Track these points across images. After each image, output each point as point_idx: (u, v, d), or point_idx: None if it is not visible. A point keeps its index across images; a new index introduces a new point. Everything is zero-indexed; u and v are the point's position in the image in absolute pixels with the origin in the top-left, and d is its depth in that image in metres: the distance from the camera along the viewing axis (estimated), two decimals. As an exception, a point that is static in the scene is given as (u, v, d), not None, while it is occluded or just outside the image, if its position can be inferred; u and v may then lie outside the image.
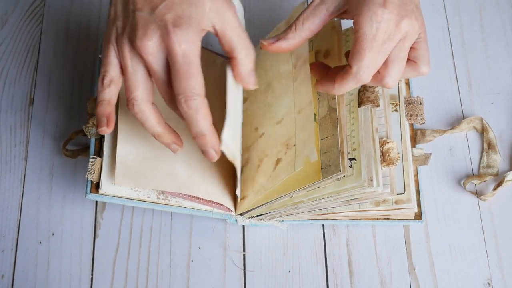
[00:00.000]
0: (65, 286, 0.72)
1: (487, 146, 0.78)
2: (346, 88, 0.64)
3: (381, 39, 0.61)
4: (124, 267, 0.72)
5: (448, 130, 0.78)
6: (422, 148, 0.76)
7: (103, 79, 0.63)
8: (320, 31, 0.66)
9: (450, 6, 0.87)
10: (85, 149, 0.76)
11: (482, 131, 0.79)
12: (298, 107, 0.69)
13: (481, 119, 0.78)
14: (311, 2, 0.64)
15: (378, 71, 0.63)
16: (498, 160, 0.77)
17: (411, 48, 0.64)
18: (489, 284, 0.72)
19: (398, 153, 0.69)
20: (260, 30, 0.85)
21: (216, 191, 0.70)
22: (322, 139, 0.68)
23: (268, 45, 0.65)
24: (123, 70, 0.62)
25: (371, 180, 0.65)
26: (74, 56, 0.83)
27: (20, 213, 0.75)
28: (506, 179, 0.75)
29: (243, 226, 0.74)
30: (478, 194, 0.76)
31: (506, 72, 0.83)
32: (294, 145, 0.67)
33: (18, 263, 0.73)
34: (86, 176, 0.68)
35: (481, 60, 0.83)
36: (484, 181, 0.76)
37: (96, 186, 0.68)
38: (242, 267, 0.73)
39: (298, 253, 0.73)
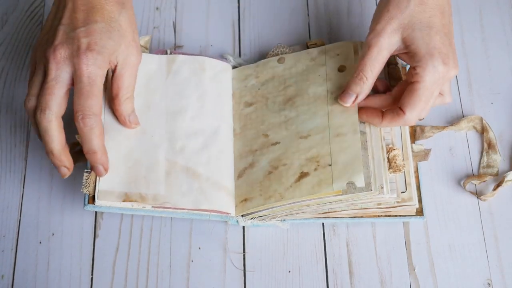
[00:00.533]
0: (65, 286, 0.72)
1: (487, 146, 0.78)
2: (392, 125, 0.71)
3: (436, 91, 0.69)
4: (124, 267, 0.72)
5: (447, 126, 0.78)
6: (421, 144, 0.76)
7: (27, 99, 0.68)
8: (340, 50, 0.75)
9: (450, 6, 0.87)
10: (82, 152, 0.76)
11: (482, 131, 0.79)
12: (335, 130, 0.72)
13: (481, 119, 0.78)
14: (368, 47, 0.69)
15: None
16: (498, 160, 0.77)
17: None
18: (489, 284, 0.72)
19: (403, 160, 0.71)
20: (260, 30, 0.85)
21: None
22: None
23: (351, 105, 0.71)
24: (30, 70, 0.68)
25: (382, 187, 0.68)
26: (74, 56, 0.83)
27: (20, 213, 0.75)
28: (506, 179, 0.75)
29: (243, 226, 0.74)
30: (478, 194, 0.76)
31: (506, 72, 0.83)
32: (330, 165, 0.70)
33: (18, 263, 0.73)
34: (81, 190, 0.69)
35: (481, 60, 0.83)
36: (484, 181, 0.76)
37: (93, 198, 0.70)
38: (242, 267, 0.73)
39: (298, 253, 0.73)
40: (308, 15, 0.87)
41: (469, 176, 0.76)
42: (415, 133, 0.77)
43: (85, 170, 0.70)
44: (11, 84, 0.81)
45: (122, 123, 0.72)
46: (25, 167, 0.77)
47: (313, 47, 0.79)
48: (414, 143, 0.76)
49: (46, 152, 0.67)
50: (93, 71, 0.65)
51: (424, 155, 0.74)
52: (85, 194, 0.70)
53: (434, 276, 0.72)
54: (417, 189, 0.73)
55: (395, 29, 0.68)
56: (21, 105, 0.80)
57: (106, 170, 0.69)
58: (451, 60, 0.68)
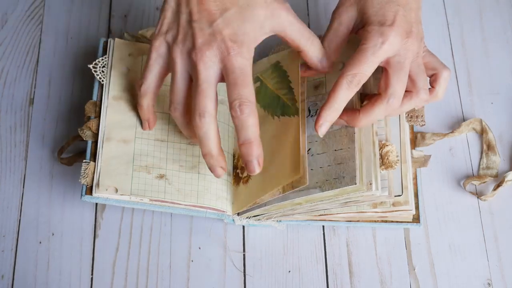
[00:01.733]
0: (65, 286, 0.72)
1: (487, 147, 0.78)
2: (372, 115, 0.67)
3: (399, 64, 0.66)
4: (124, 267, 0.72)
5: (448, 133, 0.78)
6: (421, 150, 0.76)
7: (140, 86, 0.68)
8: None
9: (450, 6, 0.87)
10: (80, 154, 0.76)
11: (482, 133, 0.79)
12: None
13: (481, 121, 0.78)
14: (330, 21, 0.69)
15: (410, 90, 0.68)
16: (497, 161, 0.77)
17: (424, 63, 0.69)
18: (489, 284, 0.72)
19: (397, 156, 0.69)
20: (260, 30, 0.85)
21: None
22: (336, 150, 0.69)
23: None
24: (172, 76, 0.66)
25: (370, 184, 0.65)
26: (74, 56, 0.83)
27: (20, 213, 0.75)
28: (506, 179, 0.75)
29: (243, 226, 0.74)
30: (478, 194, 0.76)
31: (506, 72, 0.83)
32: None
33: (18, 263, 0.73)
34: (79, 180, 0.69)
35: (481, 60, 0.83)
36: (484, 182, 0.76)
37: (90, 189, 0.69)
38: (242, 267, 0.73)
39: (298, 253, 0.73)
40: (308, 15, 0.87)
41: (469, 177, 0.76)
42: (416, 140, 0.77)
43: (84, 161, 0.70)
44: (11, 84, 0.81)
45: (320, 70, 0.70)
46: (25, 167, 0.77)
47: None
48: (414, 149, 0.75)
49: (203, 153, 0.66)
50: (243, 62, 0.64)
51: (423, 161, 0.74)
52: (83, 184, 0.70)
53: (434, 276, 0.72)
54: (415, 196, 0.72)
55: (352, 3, 0.69)
56: (21, 105, 0.80)
57: (260, 165, 0.66)
58: (409, 31, 0.66)
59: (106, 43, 0.77)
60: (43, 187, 0.76)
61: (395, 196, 0.69)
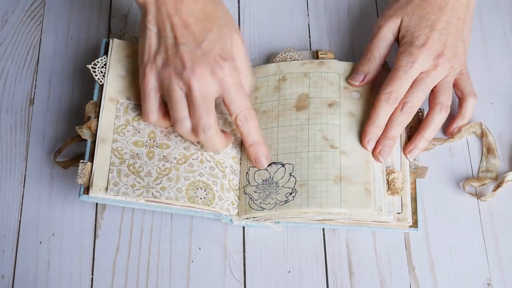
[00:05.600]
0: (66, 286, 0.72)
1: (486, 150, 0.78)
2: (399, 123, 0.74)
3: (422, 84, 0.73)
4: (124, 267, 0.72)
5: (448, 139, 0.78)
6: (420, 161, 0.75)
7: (148, 118, 0.71)
8: None
9: (450, 6, 0.87)
10: (76, 158, 0.76)
11: (482, 136, 0.78)
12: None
13: (480, 124, 0.78)
14: (377, 28, 0.76)
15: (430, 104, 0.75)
16: (497, 164, 0.77)
17: (455, 84, 0.77)
18: (489, 284, 0.72)
19: (402, 183, 0.72)
20: (260, 30, 0.85)
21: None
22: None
23: (360, 84, 0.76)
24: (168, 98, 0.69)
25: (381, 209, 0.69)
26: (74, 56, 0.83)
27: (20, 213, 0.75)
28: (506, 180, 0.75)
29: (243, 226, 0.74)
30: (478, 195, 0.76)
31: (506, 72, 0.83)
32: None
33: (19, 263, 0.73)
34: (76, 180, 0.69)
35: (481, 60, 0.83)
36: (484, 185, 0.76)
37: (88, 189, 0.70)
38: (242, 268, 0.73)
39: (298, 253, 0.73)
40: (308, 15, 0.87)
41: (469, 178, 0.76)
42: None
43: (81, 161, 0.70)
44: (11, 84, 0.81)
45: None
46: (25, 167, 0.77)
47: (323, 57, 0.79)
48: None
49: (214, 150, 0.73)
50: (235, 77, 0.69)
51: (421, 172, 0.74)
52: (80, 184, 0.70)
53: (434, 276, 0.73)
54: (413, 201, 0.73)
55: (399, 15, 0.75)
56: (21, 105, 0.80)
57: (267, 160, 0.73)
58: (441, 53, 0.72)
59: (108, 43, 0.77)
60: (43, 187, 0.76)
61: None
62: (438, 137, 0.78)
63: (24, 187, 0.76)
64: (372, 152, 0.72)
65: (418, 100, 0.73)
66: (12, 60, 0.82)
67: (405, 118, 0.73)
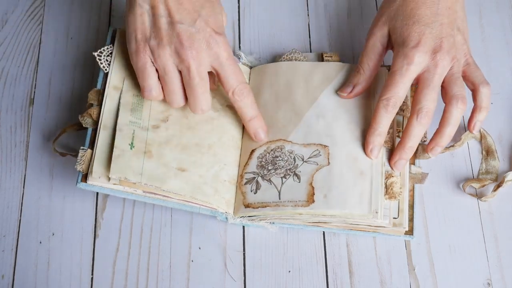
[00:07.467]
0: (65, 286, 0.72)
1: (486, 153, 0.78)
2: (413, 136, 0.71)
3: (425, 81, 0.71)
4: (124, 267, 0.72)
5: (449, 147, 0.77)
6: (420, 166, 0.75)
7: (149, 93, 0.71)
8: None
9: (450, 6, 0.87)
10: (74, 149, 0.76)
11: (481, 139, 0.78)
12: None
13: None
14: (366, 40, 0.74)
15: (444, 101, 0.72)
16: (496, 166, 0.77)
17: (464, 76, 0.73)
18: (489, 284, 0.72)
19: (400, 188, 0.71)
20: (260, 30, 0.85)
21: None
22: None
23: (348, 96, 0.74)
24: (163, 77, 0.70)
25: (376, 212, 0.69)
26: (74, 56, 0.83)
27: (20, 213, 0.75)
28: (506, 179, 0.75)
29: (243, 226, 0.74)
30: (478, 195, 0.76)
31: (506, 72, 0.83)
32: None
33: (19, 263, 0.73)
34: (75, 166, 0.69)
35: (481, 60, 0.83)
36: (483, 186, 0.76)
37: (86, 177, 0.69)
38: (242, 267, 0.73)
39: (298, 253, 0.73)
40: (308, 15, 0.87)
41: (469, 179, 0.76)
42: (416, 152, 0.75)
43: (81, 148, 0.70)
44: (11, 84, 0.81)
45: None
46: (25, 167, 0.77)
47: (328, 60, 0.79)
48: (413, 163, 0.74)
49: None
50: (229, 51, 0.70)
51: (420, 178, 0.74)
52: (78, 171, 0.70)
53: (434, 276, 0.73)
54: (410, 208, 0.72)
55: (384, 21, 0.73)
56: (21, 105, 0.80)
57: (265, 133, 0.74)
58: (438, 47, 0.70)
59: (115, 31, 0.77)
60: (43, 187, 0.76)
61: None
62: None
63: (24, 187, 0.76)
64: (389, 162, 0.72)
65: (431, 101, 0.70)
66: (12, 60, 0.82)
67: (422, 128, 0.70)
